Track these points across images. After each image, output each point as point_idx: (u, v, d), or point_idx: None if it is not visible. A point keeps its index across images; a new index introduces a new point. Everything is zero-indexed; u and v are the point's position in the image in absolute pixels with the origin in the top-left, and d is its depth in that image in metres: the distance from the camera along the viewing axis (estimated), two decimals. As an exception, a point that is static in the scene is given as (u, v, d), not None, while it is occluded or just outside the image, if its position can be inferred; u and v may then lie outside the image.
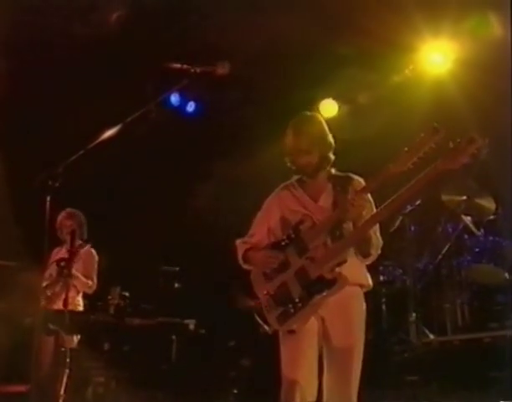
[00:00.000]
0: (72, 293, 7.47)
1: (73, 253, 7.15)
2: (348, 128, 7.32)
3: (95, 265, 7.60)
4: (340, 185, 4.59)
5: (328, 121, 4.74)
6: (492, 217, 7.61)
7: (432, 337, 7.45)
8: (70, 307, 7.20)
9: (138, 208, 9.22)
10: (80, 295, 7.65)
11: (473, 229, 7.59)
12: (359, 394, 4.49)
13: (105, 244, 7.87)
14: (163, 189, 9.37)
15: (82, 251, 7.43)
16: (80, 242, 7.48)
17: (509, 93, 6.86)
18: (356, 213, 4.40)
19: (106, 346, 7.44)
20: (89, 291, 7.60)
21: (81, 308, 7.64)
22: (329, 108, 8.74)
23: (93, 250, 7.55)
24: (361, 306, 4.56)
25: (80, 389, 6.85)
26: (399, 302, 7.73)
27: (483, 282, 7.42)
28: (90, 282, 7.52)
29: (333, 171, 4.68)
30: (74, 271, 7.35)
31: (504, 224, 7.61)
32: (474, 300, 7.44)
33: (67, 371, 6.63)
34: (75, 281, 7.47)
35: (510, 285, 7.25)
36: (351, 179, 4.63)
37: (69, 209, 7.66)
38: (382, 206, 4.41)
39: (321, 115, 4.84)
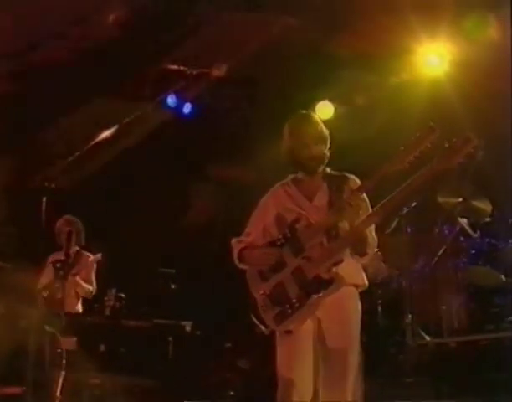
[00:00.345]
0: (74, 299, 7.64)
1: (69, 255, 7.31)
2: (344, 130, 7.30)
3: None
4: (336, 184, 4.58)
5: (324, 123, 4.74)
6: (488, 219, 7.61)
7: (428, 339, 7.44)
8: (69, 311, 7.37)
9: (134, 210, 9.21)
10: (80, 300, 7.72)
11: (470, 231, 7.58)
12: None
13: (101, 246, 7.91)
14: (160, 190, 9.36)
15: (91, 259, 7.66)
16: (78, 248, 7.69)
17: (509, 94, 6.88)
18: (353, 213, 4.40)
19: (102, 347, 7.44)
20: (90, 297, 7.67)
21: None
22: (325, 110, 8.73)
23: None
24: (357, 306, 4.57)
25: (76, 391, 6.83)
26: (395, 304, 7.72)
27: (479, 284, 7.41)
28: (92, 288, 7.69)
29: (328, 170, 4.69)
30: (78, 279, 7.54)
31: (501, 227, 7.61)
32: (470, 302, 7.42)
33: (63, 373, 6.62)
34: (78, 288, 7.59)
35: (506, 287, 7.26)
36: (347, 178, 4.63)
37: (67, 216, 7.77)
38: (378, 205, 4.41)
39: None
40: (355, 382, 4.62)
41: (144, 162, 9.41)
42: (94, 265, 7.77)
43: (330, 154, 4.65)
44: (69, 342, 6.98)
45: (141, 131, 9.08)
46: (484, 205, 7.52)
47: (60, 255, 7.44)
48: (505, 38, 7.11)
